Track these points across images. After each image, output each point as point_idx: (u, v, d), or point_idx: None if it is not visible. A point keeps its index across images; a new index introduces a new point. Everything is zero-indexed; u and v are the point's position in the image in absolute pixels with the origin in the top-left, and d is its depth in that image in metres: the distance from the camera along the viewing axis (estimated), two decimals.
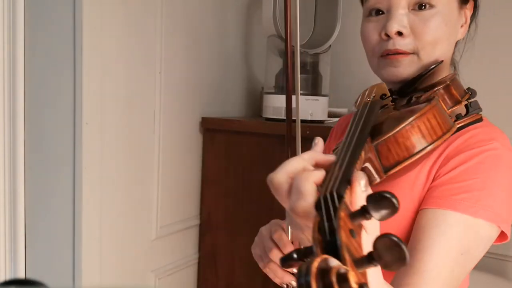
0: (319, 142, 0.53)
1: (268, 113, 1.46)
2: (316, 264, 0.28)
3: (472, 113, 0.68)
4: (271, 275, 0.73)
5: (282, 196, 0.47)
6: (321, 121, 1.44)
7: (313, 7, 1.59)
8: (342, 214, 0.36)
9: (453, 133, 0.59)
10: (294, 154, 0.65)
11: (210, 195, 1.53)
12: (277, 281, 0.72)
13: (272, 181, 0.48)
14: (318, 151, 0.52)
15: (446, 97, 0.67)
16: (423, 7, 0.70)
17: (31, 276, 1.21)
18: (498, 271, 1.42)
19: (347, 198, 0.40)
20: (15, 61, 1.14)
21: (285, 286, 0.72)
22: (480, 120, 0.70)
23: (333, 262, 0.30)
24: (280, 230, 0.72)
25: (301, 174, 0.45)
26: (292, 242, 0.71)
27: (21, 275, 1.20)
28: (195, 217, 1.56)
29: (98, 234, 1.21)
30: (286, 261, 0.37)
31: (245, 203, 1.45)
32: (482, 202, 0.61)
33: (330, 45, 1.50)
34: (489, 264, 1.39)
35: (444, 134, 0.55)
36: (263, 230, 0.75)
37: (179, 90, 1.42)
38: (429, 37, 0.70)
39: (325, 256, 0.30)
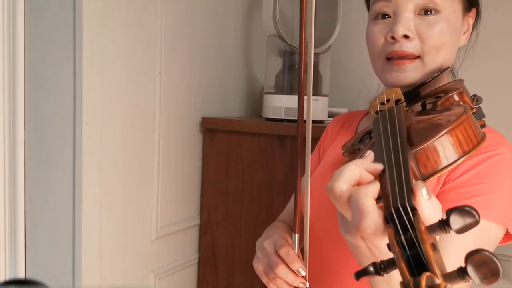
0: (370, 155, 0.53)
1: (268, 113, 1.46)
2: (423, 282, 0.29)
3: (476, 119, 0.69)
4: None
5: (343, 204, 0.47)
6: (321, 121, 1.44)
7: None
8: (422, 227, 0.36)
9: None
10: (303, 155, 0.65)
11: (210, 195, 1.53)
12: None
13: (334, 191, 0.47)
14: (369, 161, 0.52)
15: (460, 103, 0.68)
16: (429, 12, 0.71)
17: (31, 276, 1.21)
18: None
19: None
20: (15, 61, 1.14)
21: None
22: (483, 126, 0.71)
23: (437, 280, 0.30)
24: (287, 244, 0.72)
25: (359, 190, 0.45)
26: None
27: (21, 275, 1.20)
28: (195, 217, 1.56)
29: (98, 234, 1.21)
30: (361, 275, 0.37)
31: (245, 203, 1.45)
32: (492, 205, 0.63)
33: (330, 45, 1.50)
34: None
35: (479, 143, 0.55)
36: (266, 245, 0.75)
37: (179, 90, 1.42)
38: (434, 42, 0.71)
39: (428, 273, 0.30)
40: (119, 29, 1.20)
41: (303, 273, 0.69)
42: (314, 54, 1.58)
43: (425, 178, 0.53)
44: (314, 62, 1.69)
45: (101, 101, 1.17)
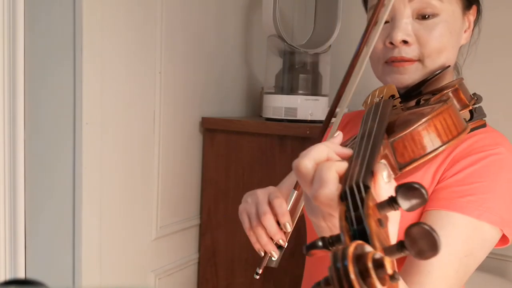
0: (339, 135, 0.53)
1: (268, 113, 1.46)
2: (352, 249, 0.28)
3: (476, 118, 0.69)
4: (253, 239, 0.70)
5: (306, 182, 0.47)
6: (321, 121, 1.44)
7: (313, 7, 1.59)
8: (370, 203, 0.37)
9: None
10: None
11: (210, 195, 1.53)
12: (257, 246, 0.69)
13: (299, 167, 0.47)
14: (336, 143, 0.52)
15: (455, 100, 0.68)
16: (427, 16, 0.70)
17: (31, 276, 1.21)
18: (498, 271, 1.42)
19: (372, 188, 0.41)
20: (15, 61, 1.14)
21: (262, 253, 0.69)
22: (483, 125, 0.71)
23: (368, 248, 0.30)
24: (281, 198, 0.69)
25: (324, 163, 0.45)
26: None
27: (21, 275, 1.20)
28: (195, 217, 1.56)
29: (98, 234, 1.21)
30: (310, 248, 0.37)
31: None
32: (486, 205, 0.62)
33: (330, 45, 1.50)
34: (489, 264, 1.39)
35: (459, 134, 0.55)
36: (260, 193, 0.72)
37: (179, 90, 1.42)
38: (434, 46, 0.70)
39: (360, 242, 0.30)
40: (119, 30, 1.20)
41: (289, 229, 0.67)
42: (314, 54, 1.59)
43: (402, 168, 0.53)
44: (314, 62, 1.69)
45: (101, 101, 1.17)
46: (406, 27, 0.70)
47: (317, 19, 1.59)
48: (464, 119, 0.67)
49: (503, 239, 0.65)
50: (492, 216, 0.61)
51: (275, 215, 0.68)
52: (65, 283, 1.19)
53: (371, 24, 0.63)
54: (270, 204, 0.69)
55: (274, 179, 1.41)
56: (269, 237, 0.68)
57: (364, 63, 0.64)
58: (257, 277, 0.69)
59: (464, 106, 0.68)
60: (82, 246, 1.17)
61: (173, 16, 1.36)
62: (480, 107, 0.71)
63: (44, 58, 1.16)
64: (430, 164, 0.66)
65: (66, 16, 1.11)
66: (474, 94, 0.71)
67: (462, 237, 0.61)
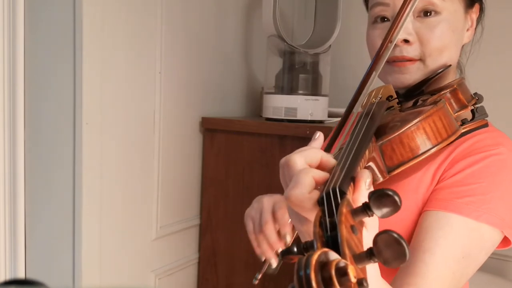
0: (320, 136, 0.53)
1: (268, 113, 1.46)
2: (315, 257, 0.28)
3: (478, 118, 0.68)
4: (254, 244, 0.73)
5: (288, 179, 0.47)
6: (321, 121, 1.44)
7: (313, 7, 1.59)
8: (344, 209, 0.37)
9: (459, 137, 0.59)
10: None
11: (210, 195, 1.53)
12: (258, 251, 0.72)
13: (289, 162, 0.47)
14: (317, 145, 0.53)
15: (452, 101, 0.67)
16: (428, 14, 0.70)
17: (31, 276, 1.21)
18: (498, 271, 1.42)
19: (349, 195, 0.40)
20: (15, 61, 1.14)
21: (263, 259, 0.71)
22: (485, 125, 0.70)
23: (333, 256, 0.30)
24: (285, 208, 0.70)
25: (305, 168, 0.46)
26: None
27: (21, 275, 1.20)
28: (195, 217, 1.56)
29: (98, 234, 1.21)
30: (285, 254, 0.38)
31: (245, 203, 1.44)
32: (486, 206, 0.61)
33: (330, 45, 1.50)
34: (489, 264, 1.38)
35: (449, 136, 0.55)
36: (265, 201, 0.74)
37: (179, 90, 1.42)
38: (436, 44, 0.70)
39: (325, 249, 0.30)
40: (119, 29, 1.20)
41: (288, 239, 0.68)
42: (314, 54, 1.59)
43: (391, 170, 0.53)
44: (314, 62, 1.69)
45: (101, 101, 1.17)
46: (407, 26, 0.70)
47: (317, 19, 1.59)
48: (465, 119, 0.67)
49: (505, 240, 0.64)
50: (491, 218, 0.61)
51: (277, 224, 0.69)
52: (65, 283, 1.19)
53: (401, 12, 0.62)
54: (273, 213, 0.71)
55: (274, 179, 1.41)
56: (269, 244, 0.70)
57: (384, 59, 0.64)
58: (256, 282, 0.71)
59: (462, 107, 0.68)
60: (82, 246, 1.16)
61: (173, 16, 1.36)
62: (482, 106, 0.70)
63: (44, 58, 1.16)
64: (430, 164, 0.66)
65: (66, 16, 1.11)
66: (475, 93, 0.71)
67: (460, 238, 0.60)
